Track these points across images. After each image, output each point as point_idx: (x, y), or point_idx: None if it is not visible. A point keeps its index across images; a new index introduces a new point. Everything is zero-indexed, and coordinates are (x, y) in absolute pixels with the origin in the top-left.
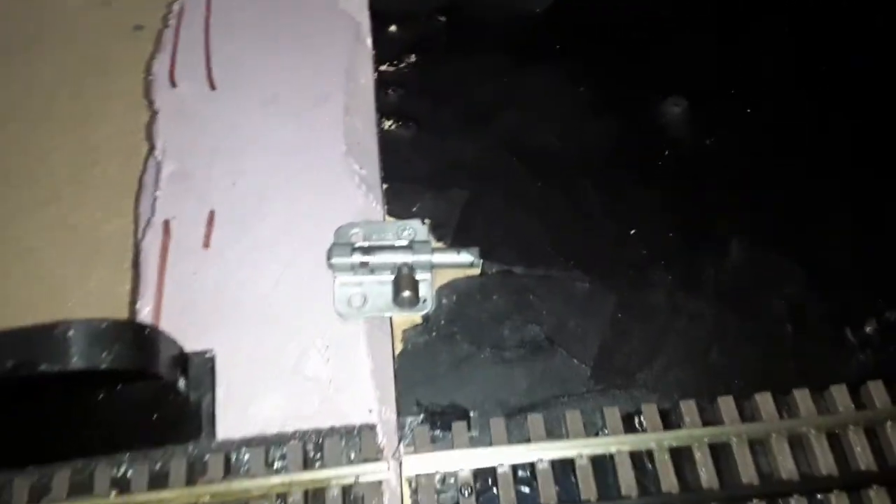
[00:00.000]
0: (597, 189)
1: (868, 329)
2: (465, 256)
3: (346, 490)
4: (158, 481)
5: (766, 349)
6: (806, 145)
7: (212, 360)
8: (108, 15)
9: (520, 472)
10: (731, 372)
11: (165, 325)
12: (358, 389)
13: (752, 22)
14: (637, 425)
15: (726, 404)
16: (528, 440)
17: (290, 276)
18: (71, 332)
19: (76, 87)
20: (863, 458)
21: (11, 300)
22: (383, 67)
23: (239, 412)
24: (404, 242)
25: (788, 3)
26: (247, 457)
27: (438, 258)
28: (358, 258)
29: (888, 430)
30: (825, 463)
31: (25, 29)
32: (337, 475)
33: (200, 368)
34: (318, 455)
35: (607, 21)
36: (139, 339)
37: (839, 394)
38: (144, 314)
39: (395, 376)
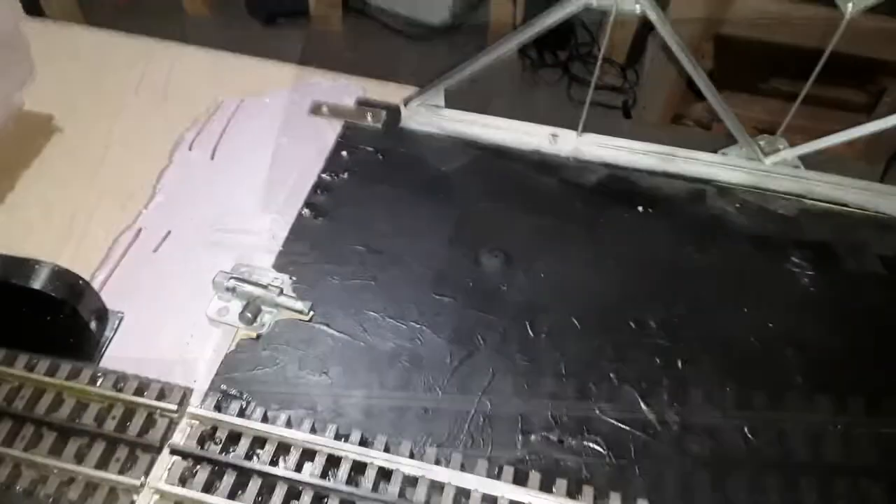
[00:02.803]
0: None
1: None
2: (300, 305)
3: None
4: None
5: None
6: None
7: (120, 319)
8: None
9: None
10: None
11: (107, 290)
12: (191, 370)
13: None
14: None
15: None
16: None
17: (198, 285)
18: (37, 266)
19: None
20: None
21: (37, 237)
22: (324, 175)
23: (119, 354)
24: (265, 284)
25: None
26: (103, 378)
27: (281, 300)
28: (233, 283)
29: None
30: None
31: None
32: (144, 403)
33: (110, 322)
34: (138, 388)
35: (473, 190)
36: (77, 286)
37: None
38: (98, 281)
39: (220, 366)
